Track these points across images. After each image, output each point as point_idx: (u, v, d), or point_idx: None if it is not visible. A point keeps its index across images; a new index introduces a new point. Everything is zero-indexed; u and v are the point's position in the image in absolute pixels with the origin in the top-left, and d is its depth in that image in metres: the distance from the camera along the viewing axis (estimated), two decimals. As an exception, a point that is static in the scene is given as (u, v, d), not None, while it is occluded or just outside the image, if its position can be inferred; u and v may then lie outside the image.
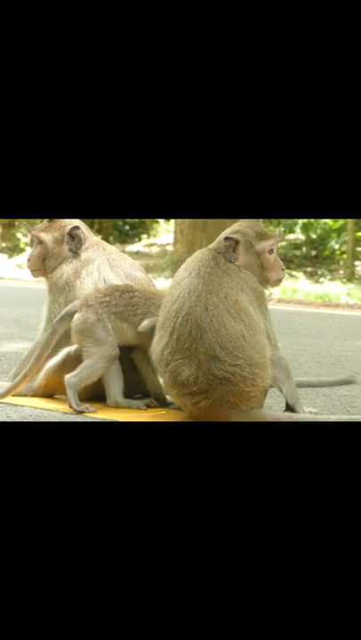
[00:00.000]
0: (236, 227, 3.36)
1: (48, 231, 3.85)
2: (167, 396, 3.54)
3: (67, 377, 3.36)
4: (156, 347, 3.16)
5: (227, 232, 3.35)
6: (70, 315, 3.47)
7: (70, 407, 3.31)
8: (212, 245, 3.38)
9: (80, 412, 3.28)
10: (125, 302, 3.47)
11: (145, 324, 3.43)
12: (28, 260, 3.90)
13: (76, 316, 3.44)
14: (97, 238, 3.94)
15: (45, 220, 3.91)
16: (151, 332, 3.34)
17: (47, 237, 3.83)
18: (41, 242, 3.84)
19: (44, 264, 3.85)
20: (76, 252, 3.79)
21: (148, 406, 3.49)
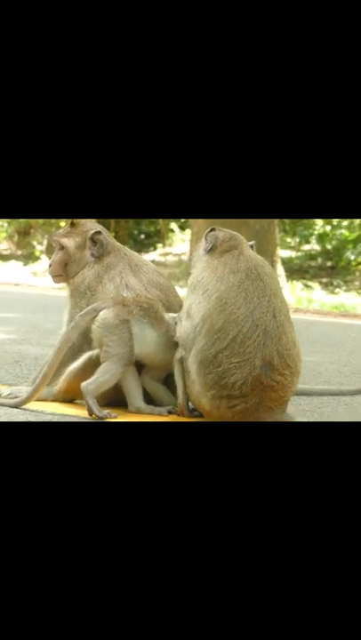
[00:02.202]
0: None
1: (70, 236, 3.82)
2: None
3: (83, 385, 3.31)
4: (207, 349, 3.09)
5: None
6: (96, 310, 3.42)
7: (91, 414, 3.27)
8: (244, 248, 3.37)
9: (102, 418, 3.25)
10: (160, 316, 3.44)
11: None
12: (50, 266, 3.87)
13: (106, 312, 3.39)
14: (118, 244, 3.91)
15: (67, 226, 3.89)
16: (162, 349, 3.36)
17: (69, 243, 3.80)
18: (63, 247, 3.81)
19: (65, 269, 3.82)
20: (98, 257, 3.76)
21: (170, 412, 3.45)
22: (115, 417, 3.29)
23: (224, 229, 3.46)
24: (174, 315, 3.47)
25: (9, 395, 3.52)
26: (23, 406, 3.37)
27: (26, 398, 3.37)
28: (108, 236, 3.84)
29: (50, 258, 3.93)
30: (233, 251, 3.34)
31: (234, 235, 3.45)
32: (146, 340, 3.43)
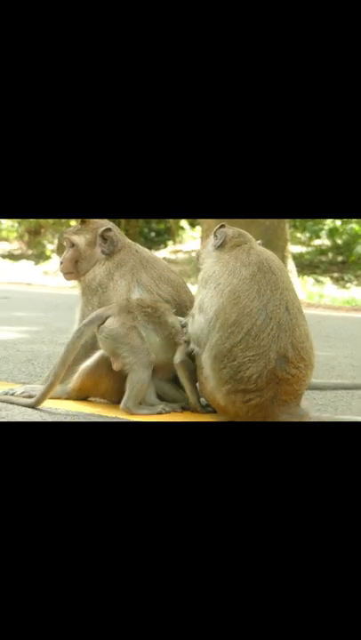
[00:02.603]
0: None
1: (80, 234, 3.82)
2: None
3: (122, 407, 3.29)
4: (222, 343, 3.07)
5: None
6: (100, 318, 3.39)
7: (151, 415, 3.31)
8: (253, 243, 3.38)
9: (160, 413, 3.33)
10: (164, 320, 3.43)
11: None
12: (61, 263, 3.87)
13: (112, 321, 3.36)
14: (129, 241, 3.90)
15: (78, 223, 3.89)
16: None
17: (79, 240, 3.80)
18: (73, 245, 3.81)
19: (76, 267, 3.82)
20: (108, 255, 3.76)
21: (184, 409, 3.45)
22: (169, 411, 3.35)
23: (232, 227, 3.46)
24: (181, 318, 3.46)
25: (22, 393, 3.52)
26: (39, 406, 3.36)
27: (39, 398, 3.36)
28: (118, 233, 3.83)
29: (60, 257, 3.93)
30: (243, 245, 3.34)
31: (242, 232, 3.45)
32: (154, 346, 3.41)
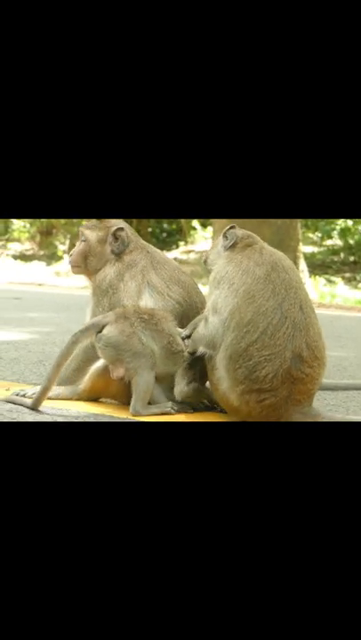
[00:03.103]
0: None
1: (94, 230, 3.83)
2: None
3: (131, 411, 3.29)
4: (237, 342, 3.06)
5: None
6: (97, 326, 3.37)
7: (166, 414, 3.32)
8: (263, 244, 3.38)
9: (169, 413, 3.33)
10: (161, 328, 3.41)
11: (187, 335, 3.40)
12: (71, 255, 3.89)
13: (109, 329, 3.34)
14: (143, 242, 3.89)
15: (95, 219, 3.90)
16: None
17: (91, 235, 3.81)
18: (85, 239, 3.82)
19: (85, 262, 3.83)
20: (118, 255, 3.76)
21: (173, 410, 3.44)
22: (178, 410, 3.35)
23: (241, 229, 3.47)
24: (181, 330, 3.45)
25: (33, 394, 3.48)
26: (39, 407, 3.33)
27: (37, 399, 3.32)
28: (131, 234, 3.83)
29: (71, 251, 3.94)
30: (254, 245, 3.34)
31: (251, 233, 3.46)
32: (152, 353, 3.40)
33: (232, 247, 3.38)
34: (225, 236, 3.43)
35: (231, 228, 3.43)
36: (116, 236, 3.77)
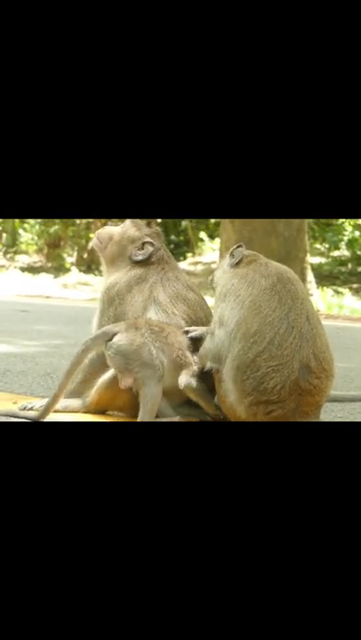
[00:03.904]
0: None
1: (135, 226, 3.92)
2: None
3: (140, 421, 3.30)
4: (244, 353, 3.06)
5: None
6: (107, 334, 3.39)
7: None
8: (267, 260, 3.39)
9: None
10: (172, 341, 3.43)
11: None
12: (103, 229, 3.98)
13: (120, 338, 3.35)
14: (167, 257, 3.93)
15: (144, 221, 3.97)
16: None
17: (129, 229, 3.90)
18: (123, 227, 3.93)
19: (108, 244, 3.93)
20: (134, 263, 3.80)
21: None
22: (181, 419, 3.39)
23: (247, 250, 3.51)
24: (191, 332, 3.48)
25: (40, 407, 3.50)
26: (47, 419, 3.34)
27: (44, 411, 3.34)
28: (159, 250, 3.85)
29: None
30: (259, 260, 3.36)
31: (255, 252, 3.49)
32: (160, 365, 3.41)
33: (237, 264, 3.40)
34: (232, 255, 3.46)
35: (239, 246, 3.46)
36: (143, 246, 3.81)
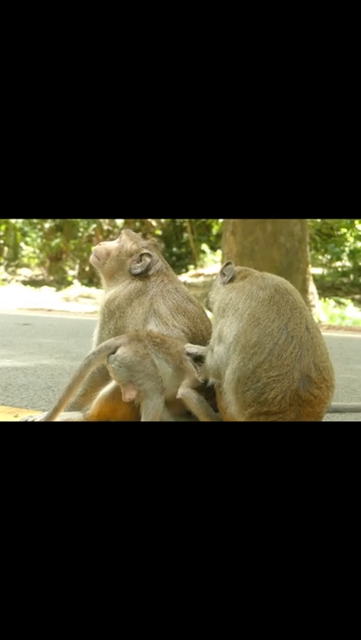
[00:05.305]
0: None
1: (131, 239, 3.91)
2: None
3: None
4: (244, 365, 3.05)
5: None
6: (109, 348, 3.38)
7: None
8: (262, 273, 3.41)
9: None
10: (174, 351, 3.44)
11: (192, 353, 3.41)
12: (100, 245, 3.99)
13: (123, 350, 3.35)
14: (165, 268, 3.93)
15: (140, 234, 3.97)
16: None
17: (126, 242, 3.89)
18: (120, 241, 3.92)
19: (106, 259, 3.92)
20: (133, 276, 3.80)
21: None
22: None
23: (237, 266, 3.54)
24: (191, 346, 3.48)
25: (30, 419, 3.50)
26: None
27: (46, 420, 3.34)
28: (156, 261, 3.86)
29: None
30: (253, 273, 3.38)
31: (247, 268, 3.51)
32: (163, 376, 3.41)
33: (231, 281, 3.42)
34: (222, 273, 3.48)
35: (228, 264, 3.48)
36: (140, 258, 3.82)
